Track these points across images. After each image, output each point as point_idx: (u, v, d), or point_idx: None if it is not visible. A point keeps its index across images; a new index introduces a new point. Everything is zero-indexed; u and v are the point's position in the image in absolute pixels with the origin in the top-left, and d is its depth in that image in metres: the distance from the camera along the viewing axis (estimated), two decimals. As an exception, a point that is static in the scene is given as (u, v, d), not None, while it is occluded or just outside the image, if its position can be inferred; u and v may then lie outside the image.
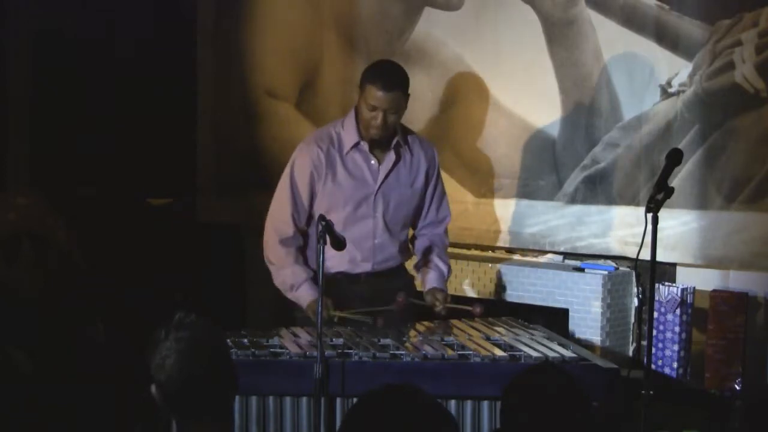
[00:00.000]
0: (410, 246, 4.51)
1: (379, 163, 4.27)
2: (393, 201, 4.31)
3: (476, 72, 5.22)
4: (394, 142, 4.27)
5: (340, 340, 3.90)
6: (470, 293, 5.01)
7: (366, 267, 4.30)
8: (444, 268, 4.40)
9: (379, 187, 4.27)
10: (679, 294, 4.52)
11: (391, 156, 4.28)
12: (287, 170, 4.31)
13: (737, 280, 4.57)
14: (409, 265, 4.57)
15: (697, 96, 4.61)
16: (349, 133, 4.25)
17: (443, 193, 4.48)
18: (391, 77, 4.15)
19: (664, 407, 4.10)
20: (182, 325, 2.66)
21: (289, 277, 4.23)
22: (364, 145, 4.25)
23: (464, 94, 5.25)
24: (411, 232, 4.51)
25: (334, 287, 4.15)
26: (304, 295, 4.18)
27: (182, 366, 2.61)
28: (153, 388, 2.66)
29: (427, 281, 4.37)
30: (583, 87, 4.93)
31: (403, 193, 4.33)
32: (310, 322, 4.07)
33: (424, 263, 4.42)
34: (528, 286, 4.89)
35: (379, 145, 4.26)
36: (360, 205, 4.26)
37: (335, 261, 4.17)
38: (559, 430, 2.63)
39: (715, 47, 4.57)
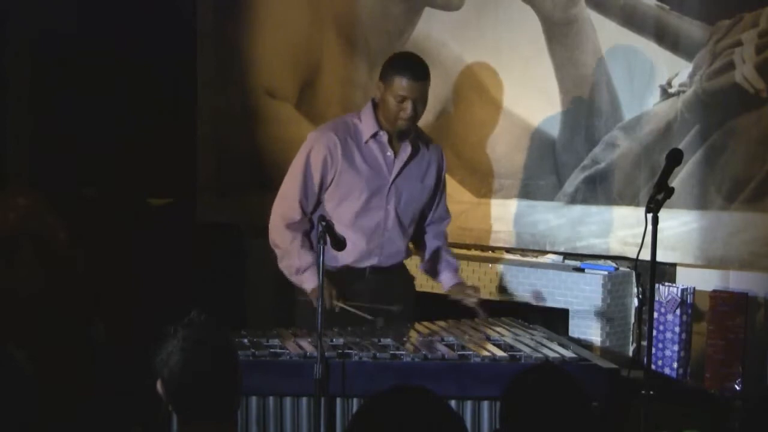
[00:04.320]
0: (410, 246, 4.53)
1: (395, 155, 4.29)
2: (405, 194, 4.33)
3: (476, 72, 5.22)
4: (411, 136, 4.30)
5: (340, 340, 3.90)
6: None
7: (372, 260, 4.31)
8: (454, 263, 4.49)
9: (394, 180, 4.29)
10: (679, 294, 4.52)
11: (407, 149, 4.31)
12: (301, 156, 4.29)
13: (737, 281, 4.57)
14: (409, 264, 4.58)
15: (697, 96, 4.61)
16: (367, 124, 4.27)
17: (445, 195, 4.53)
18: (418, 67, 4.22)
19: (664, 407, 4.10)
20: (191, 325, 2.66)
21: (295, 260, 4.23)
22: (383, 136, 4.27)
23: (464, 94, 5.25)
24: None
25: (338, 282, 4.17)
26: (310, 279, 4.17)
27: (185, 365, 2.61)
28: (158, 384, 2.66)
29: (445, 279, 4.44)
30: (583, 87, 4.93)
31: (414, 188, 4.35)
32: (311, 312, 4.00)
33: (434, 261, 4.47)
34: (528, 286, 4.89)
35: (396, 137, 4.28)
36: (374, 196, 4.28)
37: (342, 253, 4.17)
38: (559, 430, 2.63)
39: (715, 47, 4.57)
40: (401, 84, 4.15)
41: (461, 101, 5.25)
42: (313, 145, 4.28)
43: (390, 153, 4.29)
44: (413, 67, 4.21)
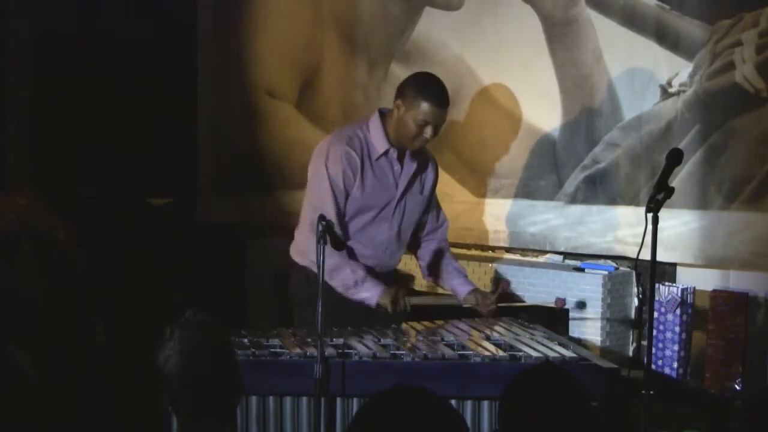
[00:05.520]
0: (416, 255, 4.56)
1: (401, 169, 4.29)
2: (408, 207, 4.35)
3: (476, 72, 5.22)
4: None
5: (340, 340, 3.90)
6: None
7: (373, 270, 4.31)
8: (462, 269, 4.48)
9: (402, 195, 4.29)
10: (679, 294, 4.51)
11: (412, 163, 4.30)
12: (322, 171, 4.20)
13: (737, 280, 4.57)
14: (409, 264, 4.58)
15: (697, 96, 4.61)
16: (377, 139, 4.24)
17: (437, 201, 4.54)
18: (443, 93, 4.20)
19: (664, 407, 4.10)
20: (188, 325, 2.66)
21: (349, 276, 4.15)
22: (394, 153, 4.26)
23: (464, 94, 5.25)
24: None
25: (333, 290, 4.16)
26: (373, 291, 4.16)
27: (183, 366, 2.61)
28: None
29: (458, 286, 4.41)
30: (584, 87, 4.93)
31: (416, 200, 4.37)
32: (311, 313, 3.93)
33: (441, 268, 4.46)
34: (528, 286, 4.89)
35: (404, 153, 4.27)
36: (381, 210, 4.28)
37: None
38: (559, 430, 2.63)
39: (716, 47, 4.56)
40: (425, 109, 4.13)
41: (461, 101, 5.25)
42: (331, 157, 4.20)
43: (398, 167, 4.28)
44: (439, 93, 4.18)
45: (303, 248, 4.27)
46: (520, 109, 5.10)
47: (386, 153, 4.25)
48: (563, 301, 4.56)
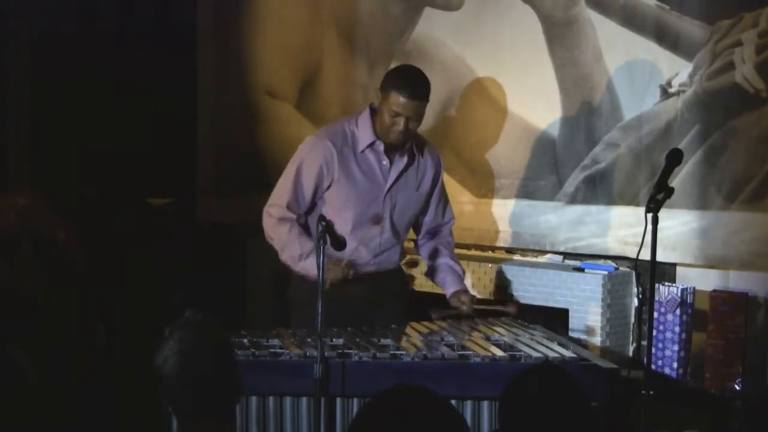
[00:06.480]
0: (418, 253, 4.55)
1: (391, 163, 4.28)
2: (400, 202, 4.33)
3: (476, 72, 5.22)
4: (407, 145, 4.29)
5: (340, 340, 3.90)
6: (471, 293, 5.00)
7: (370, 267, 4.31)
8: (458, 268, 4.47)
9: (389, 189, 4.29)
10: (679, 294, 4.51)
11: (403, 158, 4.30)
12: (294, 161, 4.30)
13: (737, 280, 4.57)
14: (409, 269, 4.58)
15: (697, 96, 4.61)
16: (364, 132, 4.25)
17: (447, 197, 4.53)
18: (417, 86, 4.17)
19: (664, 407, 4.10)
20: (187, 325, 2.66)
21: (296, 248, 4.22)
22: (379, 145, 4.26)
23: (464, 94, 5.25)
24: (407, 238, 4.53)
25: (336, 286, 4.15)
26: (314, 264, 4.16)
27: (182, 367, 2.61)
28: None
29: (447, 285, 4.42)
30: (584, 87, 4.93)
31: (410, 196, 4.35)
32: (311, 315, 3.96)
33: (436, 267, 4.46)
34: (528, 286, 4.89)
35: (392, 146, 4.26)
36: (370, 205, 4.28)
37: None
38: (559, 430, 2.63)
39: (715, 47, 4.56)
40: (397, 100, 4.12)
41: (461, 101, 5.25)
42: (308, 152, 4.28)
43: (386, 162, 4.28)
44: (413, 85, 4.16)
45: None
46: (520, 109, 5.10)
47: (372, 145, 4.25)
48: (516, 305, 4.56)
